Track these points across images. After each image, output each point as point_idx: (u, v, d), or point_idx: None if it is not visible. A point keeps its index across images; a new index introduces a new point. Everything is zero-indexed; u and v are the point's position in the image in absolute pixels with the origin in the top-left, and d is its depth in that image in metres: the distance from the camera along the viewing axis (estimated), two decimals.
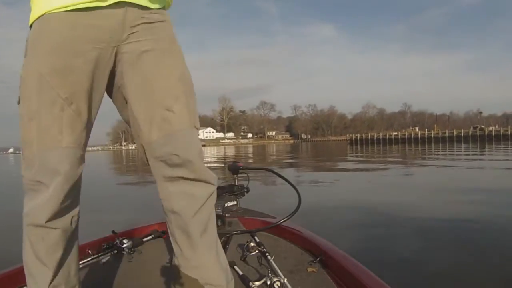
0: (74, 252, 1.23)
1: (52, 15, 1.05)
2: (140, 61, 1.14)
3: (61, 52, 1.05)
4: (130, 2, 1.10)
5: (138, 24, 1.13)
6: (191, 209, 1.21)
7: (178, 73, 1.19)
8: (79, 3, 1.03)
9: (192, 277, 1.24)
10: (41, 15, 1.06)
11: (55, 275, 1.15)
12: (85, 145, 1.14)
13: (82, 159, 1.13)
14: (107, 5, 1.07)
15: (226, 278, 1.30)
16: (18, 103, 1.11)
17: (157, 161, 1.19)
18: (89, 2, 1.04)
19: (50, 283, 1.14)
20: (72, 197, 1.12)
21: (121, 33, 1.11)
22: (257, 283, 1.67)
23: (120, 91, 1.19)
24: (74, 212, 1.16)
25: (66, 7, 1.04)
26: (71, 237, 1.17)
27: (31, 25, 1.10)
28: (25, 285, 1.57)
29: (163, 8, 1.21)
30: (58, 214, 1.09)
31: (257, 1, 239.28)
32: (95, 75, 1.11)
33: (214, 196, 1.28)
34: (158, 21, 1.17)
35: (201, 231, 1.25)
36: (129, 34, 1.12)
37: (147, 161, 1.23)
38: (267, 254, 1.94)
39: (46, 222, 1.08)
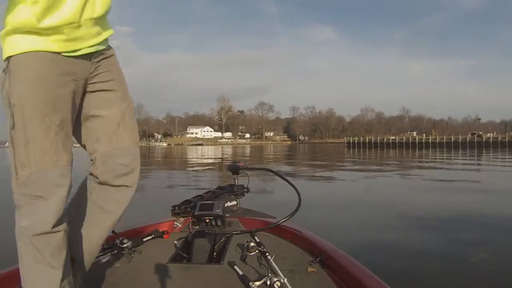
0: (68, 257, 1.37)
1: (35, 53, 1.23)
2: (104, 88, 1.42)
3: (49, 84, 1.24)
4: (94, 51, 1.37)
5: (100, 60, 1.41)
6: (121, 211, 1.48)
7: (128, 99, 1.49)
8: (57, 51, 1.25)
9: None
10: (24, 52, 1.22)
11: (63, 274, 1.29)
12: (72, 160, 1.35)
13: (71, 174, 1.32)
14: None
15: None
16: (13, 128, 1.24)
17: (107, 171, 1.43)
18: (65, 52, 1.27)
19: (61, 283, 1.29)
20: (65, 205, 1.30)
21: (89, 68, 1.38)
22: (257, 283, 1.67)
23: (82, 111, 1.41)
24: (67, 218, 1.33)
25: (46, 50, 1.24)
26: (68, 241, 1.33)
27: (8, 58, 1.25)
28: None
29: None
30: (60, 220, 1.27)
31: (257, 1, 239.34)
32: (75, 103, 1.34)
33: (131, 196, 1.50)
34: (111, 55, 1.47)
35: (105, 226, 1.49)
36: (95, 67, 1.39)
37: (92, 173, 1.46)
38: (267, 254, 1.94)
39: (52, 228, 1.24)
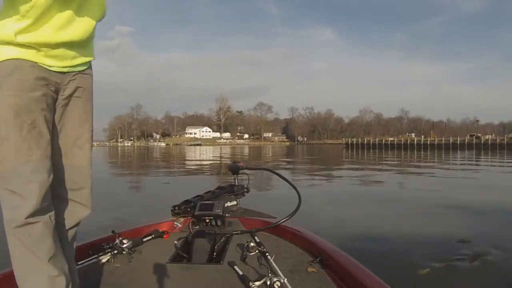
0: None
1: (13, 60, 1.33)
2: (71, 102, 1.50)
3: (23, 87, 1.32)
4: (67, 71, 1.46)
5: (75, 75, 1.49)
6: (70, 223, 1.53)
7: (91, 120, 1.58)
8: (34, 61, 1.35)
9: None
10: (3, 60, 1.32)
11: (49, 265, 1.34)
12: (51, 158, 1.41)
13: (50, 169, 1.39)
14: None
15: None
16: None
17: (58, 182, 1.48)
18: (40, 64, 1.36)
19: (47, 273, 1.34)
20: (47, 199, 1.36)
21: (63, 79, 1.45)
22: (257, 283, 1.67)
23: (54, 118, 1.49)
24: (52, 212, 1.39)
25: (24, 58, 1.34)
26: (56, 231, 1.40)
27: None
28: None
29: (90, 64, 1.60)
30: (36, 212, 1.31)
31: (258, 2, 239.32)
32: (48, 104, 1.40)
33: (86, 217, 1.57)
34: (88, 74, 1.56)
35: (68, 242, 1.53)
36: (68, 80, 1.47)
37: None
38: (267, 254, 1.95)
39: (26, 218, 1.29)
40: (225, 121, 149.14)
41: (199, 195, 2.77)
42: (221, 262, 2.01)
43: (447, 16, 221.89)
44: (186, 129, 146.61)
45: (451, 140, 69.50)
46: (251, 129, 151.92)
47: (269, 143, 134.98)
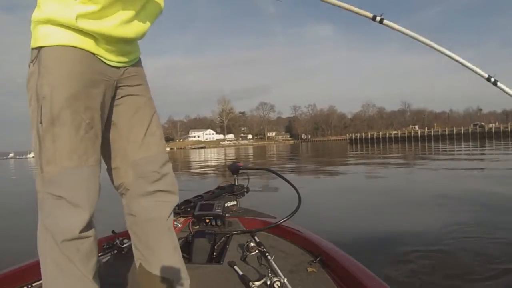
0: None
1: (71, 47, 1.20)
2: (132, 94, 1.42)
3: (83, 80, 1.20)
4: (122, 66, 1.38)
5: (129, 68, 1.41)
6: (165, 214, 1.46)
7: (154, 107, 1.51)
8: (92, 51, 1.24)
9: (163, 276, 1.44)
10: (57, 44, 1.18)
11: (93, 283, 1.24)
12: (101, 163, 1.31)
13: (99, 175, 1.28)
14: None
15: (187, 276, 1.54)
16: (40, 122, 1.18)
17: (137, 179, 1.41)
18: (99, 56, 1.27)
19: None
20: (94, 208, 1.24)
21: (119, 72, 1.37)
22: (257, 283, 1.66)
23: (111, 117, 1.40)
24: (94, 226, 1.27)
25: (82, 48, 1.22)
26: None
27: (39, 48, 1.21)
28: (29, 283, 1.60)
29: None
30: (89, 225, 1.21)
31: (257, 1, 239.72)
32: (105, 104, 1.31)
33: (177, 202, 1.53)
34: (140, 66, 1.50)
35: (171, 232, 1.50)
36: (124, 70, 1.39)
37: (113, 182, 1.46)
38: (267, 254, 1.94)
39: (79, 232, 1.18)
40: (228, 123, 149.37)
41: (199, 195, 2.77)
42: (221, 262, 2.00)
43: (445, 4, 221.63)
44: (190, 132, 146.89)
45: (454, 130, 69.41)
46: (255, 129, 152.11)
47: (273, 142, 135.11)
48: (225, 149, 78.30)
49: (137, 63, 1.47)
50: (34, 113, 1.20)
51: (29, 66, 1.24)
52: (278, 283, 1.59)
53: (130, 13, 1.29)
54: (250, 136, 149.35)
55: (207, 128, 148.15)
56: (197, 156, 41.15)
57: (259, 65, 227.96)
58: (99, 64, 1.27)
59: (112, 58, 1.31)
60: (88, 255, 1.22)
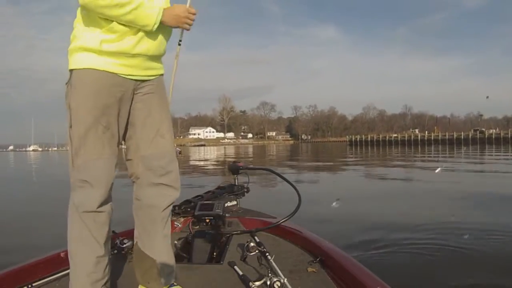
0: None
1: (94, 70, 1.55)
2: (147, 99, 1.72)
3: (100, 94, 1.56)
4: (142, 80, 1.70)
5: (149, 80, 1.73)
6: (163, 205, 1.72)
7: (167, 113, 1.80)
8: (113, 72, 1.58)
9: (150, 256, 1.72)
10: (84, 68, 1.55)
11: (101, 247, 1.58)
12: (117, 155, 1.65)
13: (116, 165, 1.63)
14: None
15: (173, 260, 1.78)
16: (70, 126, 1.57)
17: (146, 170, 1.70)
18: (118, 73, 1.59)
19: (97, 253, 1.57)
20: (110, 190, 1.61)
21: (137, 83, 1.69)
22: (257, 283, 1.67)
23: (130, 119, 1.71)
24: (111, 201, 1.63)
25: (104, 70, 1.57)
26: (111, 219, 1.63)
27: (71, 70, 1.59)
28: (29, 283, 1.61)
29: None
30: (104, 202, 1.57)
31: (259, 1, 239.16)
32: (121, 110, 1.64)
33: (177, 197, 1.79)
34: (160, 74, 1.79)
35: (165, 222, 1.75)
36: (142, 82, 1.70)
37: (132, 174, 1.76)
38: (267, 254, 1.95)
39: (97, 208, 1.55)
40: (228, 121, 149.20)
41: (199, 195, 2.77)
42: (221, 262, 2.01)
43: (449, 11, 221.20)
44: (190, 130, 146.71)
45: (455, 135, 69.28)
46: (255, 129, 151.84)
47: (273, 142, 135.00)
48: (224, 148, 78.20)
49: (158, 79, 1.77)
50: (67, 120, 1.57)
51: (66, 85, 1.61)
52: (278, 283, 1.60)
53: (144, 33, 1.61)
54: (250, 135, 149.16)
55: (207, 126, 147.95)
56: (196, 154, 41.08)
57: (261, 65, 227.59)
58: (117, 79, 1.59)
59: (130, 73, 1.63)
60: (102, 225, 1.58)
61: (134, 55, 1.61)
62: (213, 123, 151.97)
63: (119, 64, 1.59)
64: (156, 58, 1.73)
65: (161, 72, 1.80)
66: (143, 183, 1.71)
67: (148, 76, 1.71)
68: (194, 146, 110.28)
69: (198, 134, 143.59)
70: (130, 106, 1.69)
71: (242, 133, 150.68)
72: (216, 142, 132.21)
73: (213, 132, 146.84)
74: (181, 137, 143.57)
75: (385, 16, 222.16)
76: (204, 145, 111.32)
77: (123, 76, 1.61)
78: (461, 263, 3.56)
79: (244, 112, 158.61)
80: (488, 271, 3.31)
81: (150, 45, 1.64)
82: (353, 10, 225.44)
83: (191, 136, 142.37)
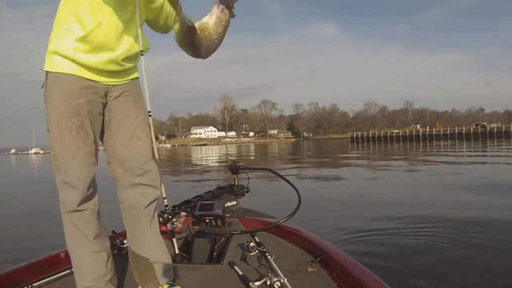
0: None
1: (67, 75, 1.59)
2: (121, 102, 1.73)
3: (71, 96, 1.59)
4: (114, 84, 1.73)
5: (122, 83, 1.75)
6: (144, 203, 1.74)
7: (143, 114, 1.80)
8: (85, 77, 1.62)
9: (142, 255, 1.75)
10: (57, 72, 1.59)
11: (94, 243, 1.63)
12: (96, 153, 1.68)
13: (95, 163, 1.66)
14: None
15: (168, 257, 1.82)
16: (48, 130, 1.61)
17: (125, 172, 1.73)
18: (90, 79, 1.63)
19: (92, 249, 1.62)
20: (91, 188, 1.63)
21: (110, 86, 1.71)
22: (257, 283, 1.67)
23: (106, 121, 1.74)
24: (95, 198, 1.66)
25: (77, 75, 1.60)
26: (97, 215, 1.67)
27: (46, 72, 1.62)
28: (29, 283, 1.63)
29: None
30: (84, 200, 1.60)
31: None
32: (94, 109, 1.66)
33: (158, 195, 1.81)
34: (135, 78, 1.82)
35: (150, 220, 1.77)
36: (114, 85, 1.72)
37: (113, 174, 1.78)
38: (267, 254, 1.95)
39: (77, 206, 1.58)
40: (230, 120, 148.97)
41: (199, 195, 2.78)
42: (221, 262, 2.01)
43: (449, 5, 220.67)
44: (191, 129, 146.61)
45: (456, 130, 69.21)
46: (256, 127, 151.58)
47: (274, 140, 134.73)
48: (226, 147, 78.22)
49: (131, 82, 1.79)
50: (46, 124, 1.61)
51: (42, 88, 1.64)
52: (278, 283, 1.60)
53: (115, 54, 1.63)
54: (251, 134, 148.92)
55: (209, 125, 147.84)
56: (198, 153, 41.09)
57: (262, 63, 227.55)
58: (88, 83, 1.62)
59: (101, 79, 1.66)
60: (87, 223, 1.61)
61: (104, 64, 1.63)
62: (214, 122, 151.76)
63: (92, 71, 1.63)
64: (130, 64, 1.75)
65: (135, 76, 1.82)
66: (123, 185, 1.74)
67: (121, 80, 1.74)
68: (196, 145, 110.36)
69: (200, 134, 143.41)
70: (104, 109, 1.71)
71: (243, 132, 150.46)
72: (217, 141, 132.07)
73: (214, 131, 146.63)
74: (183, 137, 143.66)
75: (385, 12, 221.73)
76: (205, 145, 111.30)
77: (95, 81, 1.65)
78: None
79: (245, 110, 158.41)
80: None
81: (124, 55, 1.67)
82: (353, 6, 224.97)
83: (192, 136, 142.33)
